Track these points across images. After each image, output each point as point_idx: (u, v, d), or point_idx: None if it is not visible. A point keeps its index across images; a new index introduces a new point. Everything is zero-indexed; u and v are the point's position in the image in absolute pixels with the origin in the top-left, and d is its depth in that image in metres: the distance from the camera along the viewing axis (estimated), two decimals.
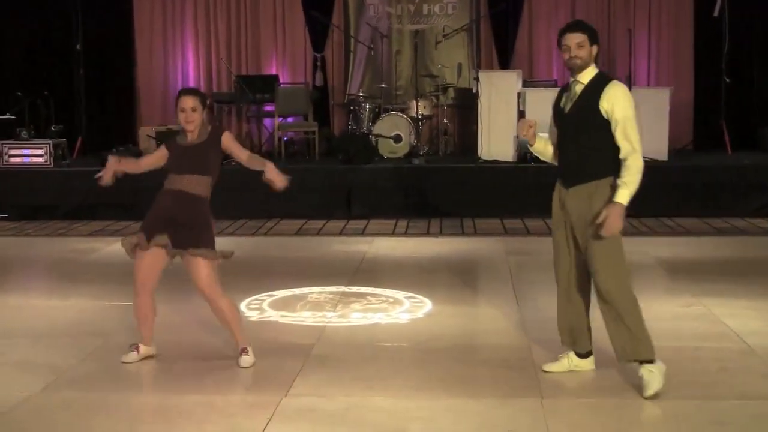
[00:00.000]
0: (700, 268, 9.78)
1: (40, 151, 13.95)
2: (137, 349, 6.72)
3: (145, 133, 15.04)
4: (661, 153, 13.87)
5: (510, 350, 6.83)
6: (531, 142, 6.56)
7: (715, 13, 15.14)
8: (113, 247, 11.28)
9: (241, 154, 6.68)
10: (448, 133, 15.94)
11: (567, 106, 6.26)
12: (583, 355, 6.42)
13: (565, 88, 6.35)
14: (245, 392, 6.09)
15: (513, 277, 9.33)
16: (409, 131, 14.61)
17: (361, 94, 16.08)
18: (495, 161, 13.67)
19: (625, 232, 6.07)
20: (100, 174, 6.76)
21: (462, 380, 6.31)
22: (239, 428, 5.48)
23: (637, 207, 13.19)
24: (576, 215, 6.17)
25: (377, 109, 15.27)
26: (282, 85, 16.07)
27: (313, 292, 8.84)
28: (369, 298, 8.59)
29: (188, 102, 6.56)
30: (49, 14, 16.57)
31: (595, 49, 6.13)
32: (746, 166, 13.46)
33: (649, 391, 5.88)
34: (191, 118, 6.53)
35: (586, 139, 6.12)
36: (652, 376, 5.93)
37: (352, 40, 17.02)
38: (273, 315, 8.01)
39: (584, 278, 6.27)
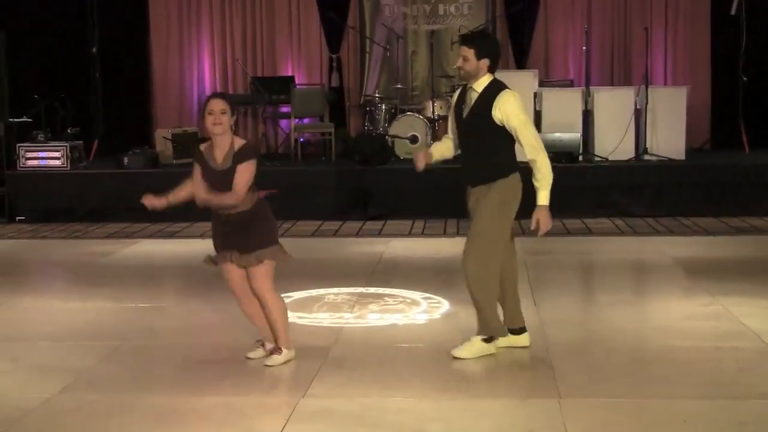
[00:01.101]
0: (718, 268, 9.74)
1: (56, 154, 13.97)
2: (263, 345, 6.82)
3: (161, 135, 15.05)
4: (679, 152, 13.83)
5: (527, 350, 6.81)
6: (429, 161, 6.97)
7: (732, 12, 15.06)
8: (130, 249, 11.31)
9: (235, 182, 6.45)
10: None
11: (464, 112, 6.67)
12: (517, 331, 6.85)
13: (463, 91, 6.77)
14: (263, 394, 6.08)
15: (530, 277, 9.31)
16: (425, 132, 14.59)
17: (377, 95, 16.05)
18: None
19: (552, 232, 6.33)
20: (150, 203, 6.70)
21: (480, 380, 6.30)
22: (257, 430, 5.47)
23: (654, 207, 13.30)
24: (473, 207, 6.69)
25: (393, 110, 15.25)
26: (298, 87, 16.08)
27: (330, 293, 8.83)
28: (386, 299, 8.59)
29: (217, 104, 6.49)
30: (65, 17, 16.61)
31: (485, 62, 6.57)
32: (764, 165, 13.39)
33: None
34: (220, 120, 6.44)
35: (482, 144, 6.58)
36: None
37: (368, 41, 17.02)
38: (290, 316, 7.96)
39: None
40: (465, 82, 6.68)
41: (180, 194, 6.65)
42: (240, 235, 6.50)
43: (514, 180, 6.65)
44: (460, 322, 7.66)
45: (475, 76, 6.57)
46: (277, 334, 6.68)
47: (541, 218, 6.63)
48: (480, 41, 6.65)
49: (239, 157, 6.45)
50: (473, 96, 6.60)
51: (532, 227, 6.63)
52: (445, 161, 7.23)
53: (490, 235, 6.57)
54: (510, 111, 6.48)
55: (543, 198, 6.61)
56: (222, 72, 17.35)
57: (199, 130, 14.95)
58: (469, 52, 6.57)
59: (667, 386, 6.09)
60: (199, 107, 17.21)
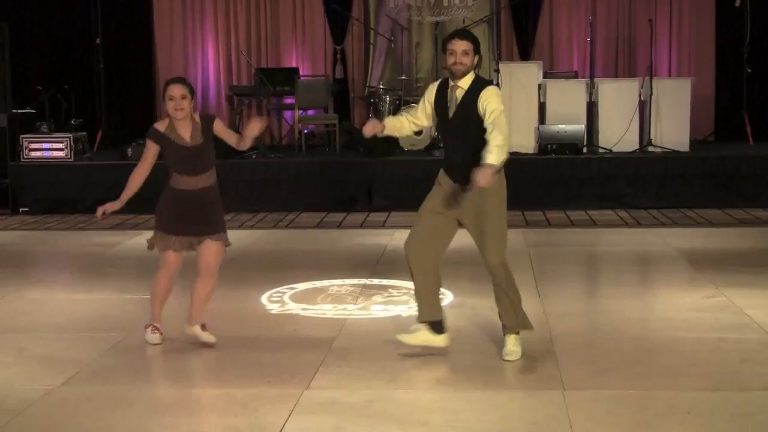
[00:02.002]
0: (722, 259, 9.73)
1: (60, 145, 13.97)
2: (156, 329, 6.92)
3: None
4: (683, 144, 13.83)
5: (532, 342, 6.79)
6: (379, 132, 6.97)
7: (737, 3, 15.06)
8: (134, 241, 11.31)
9: (231, 139, 6.77)
10: None
11: (450, 110, 6.53)
12: (436, 325, 6.68)
13: (442, 88, 6.61)
14: (266, 385, 6.08)
15: (534, 269, 9.31)
16: None
17: (381, 86, 16.04)
18: (516, 153, 13.60)
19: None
20: (101, 214, 6.99)
21: (484, 372, 6.29)
22: (261, 421, 5.47)
23: (658, 198, 13.30)
24: (469, 207, 6.45)
25: (398, 102, 15.23)
26: (302, 78, 16.06)
27: (334, 284, 8.83)
28: (390, 290, 8.59)
29: (177, 90, 6.62)
30: (69, 8, 16.60)
31: (476, 58, 6.50)
32: None
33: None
34: (181, 106, 6.60)
35: (473, 142, 6.38)
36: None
37: (372, 33, 17.01)
38: (294, 308, 8.00)
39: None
40: (454, 79, 6.47)
41: (132, 188, 6.98)
42: (202, 218, 6.68)
43: (502, 174, 6.49)
44: (464, 314, 7.66)
45: (469, 71, 6.48)
46: (199, 313, 6.86)
47: (483, 177, 6.11)
48: (475, 38, 6.57)
49: (208, 125, 6.68)
50: (459, 94, 6.47)
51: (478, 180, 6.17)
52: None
53: (503, 229, 6.50)
54: (490, 100, 6.37)
55: (489, 158, 6.16)
56: (226, 63, 17.35)
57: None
58: (470, 47, 6.44)
59: (671, 378, 6.09)
60: (203, 98, 17.24)
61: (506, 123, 6.37)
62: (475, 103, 6.38)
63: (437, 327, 6.62)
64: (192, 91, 6.72)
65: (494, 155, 6.16)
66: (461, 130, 6.48)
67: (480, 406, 5.65)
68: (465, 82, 6.47)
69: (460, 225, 6.58)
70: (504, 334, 6.60)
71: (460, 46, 6.43)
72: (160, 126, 6.77)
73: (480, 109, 6.35)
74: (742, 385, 5.95)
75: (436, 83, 6.70)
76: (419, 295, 6.62)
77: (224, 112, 17.29)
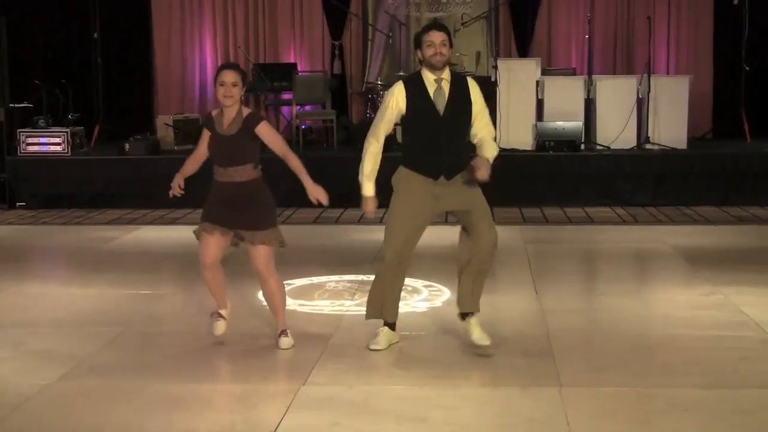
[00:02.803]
0: (719, 257, 9.74)
1: (57, 140, 13.96)
2: (219, 316, 6.82)
3: (163, 121, 15.04)
4: (680, 141, 13.84)
5: (529, 339, 6.81)
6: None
7: (735, 1, 15.06)
8: (131, 236, 11.31)
9: (276, 147, 6.70)
10: None
11: (438, 104, 6.45)
12: (393, 326, 6.79)
13: (415, 85, 6.50)
14: (264, 381, 6.08)
15: (532, 267, 9.31)
16: None
17: (379, 82, 16.03)
18: (513, 150, 13.61)
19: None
20: (172, 192, 6.78)
21: (481, 369, 6.29)
22: (258, 417, 5.47)
23: (655, 196, 13.31)
24: (455, 197, 6.50)
25: None
26: (300, 74, 16.06)
27: (331, 280, 8.84)
28: None
29: (229, 76, 6.52)
30: (67, 3, 16.58)
31: (450, 50, 6.50)
32: (766, 155, 13.39)
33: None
34: (230, 93, 6.50)
35: (463, 133, 6.48)
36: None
37: (371, 28, 17.01)
38: (291, 304, 7.98)
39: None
40: (434, 71, 6.43)
41: (184, 169, 6.77)
42: (244, 211, 6.57)
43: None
44: None
45: (448, 62, 6.48)
46: (279, 316, 6.77)
47: (485, 167, 6.34)
48: (448, 29, 6.57)
49: (250, 122, 6.57)
50: (446, 86, 6.44)
51: (477, 175, 6.32)
52: None
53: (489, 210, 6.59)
54: (479, 94, 6.52)
55: (493, 153, 6.47)
56: (224, 58, 17.32)
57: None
58: (447, 39, 6.43)
59: (668, 375, 6.10)
60: (200, 94, 17.23)
61: None
62: (466, 95, 6.43)
63: (393, 325, 6.78)
64: (245, 80, 6.64)
65: (493, 148, 6.40)
66: (455, 123, 6.45)
67: (477, 403, 5.66)
68: (447, 74, 6.47)
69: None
70: (467, 319, 6.62)
71: (438, 37, 6.40)
72: (213, 111, 6.74)
73: (473, 102, 6.43)
74: (740, 383, 5.96)
75: (399, 85, 6.55)
76: (391, 298, 6.73)
77: None
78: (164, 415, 5.53)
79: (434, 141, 6.49)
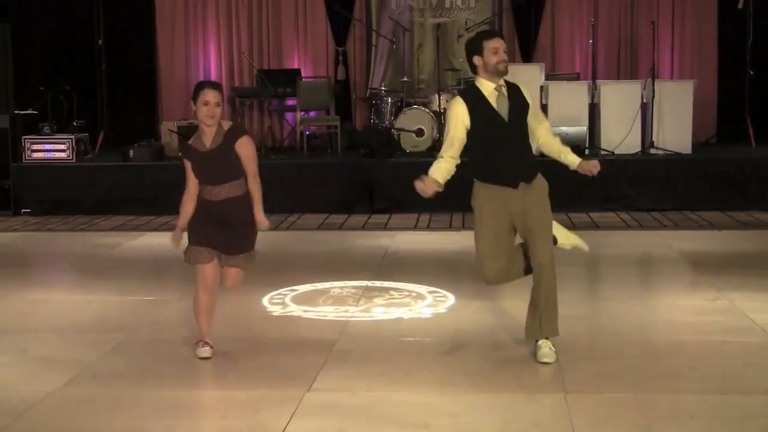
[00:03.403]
0: (724, 262, 9.72)
1: (62, 146, 13.97)
2: (207, 344, 6.73)
3: (167, 127, 15.05)
4: (685, 146, 13.82)
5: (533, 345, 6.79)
6: (440, 189, 6.71)
7: (740, 5, 15.05)
8: (135, 242, 11.31)
9: (249, 165, 6.57)
10: None
11: (502, 112, 6.39)
12: None
13: (474, 96, 6.46)
14: (268, 387, 6.07)
15: None
16: (431, 125, 14.56)
17: (383, 88, 16.04)
18: None
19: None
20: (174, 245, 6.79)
21: (486, 375, 6.28)
22: (263, 423, 5.46)
23: (660, 200, 13.28)
24: (527, 205, 6.41)
25: (399, 103, 15.22)
26: (304, 79, 16.06)
27: (336, 286, 8.82)
28: (392, 292, 8.57)
29: (212, 96, 6.44)
30: (71, 9, 16.61)
31: None
32: None
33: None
34: (214, 113, 6.44)
35: (525, 137, 6.46)
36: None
37: (374, 34, 17.00)
38: (295, 310, 7.99)
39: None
40: (496, 79, 6.40)
41: (186, 213, 6.66)
42: (231, 235, 6.53)
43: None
44: (467, 316, 7.65)
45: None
46: (208, 328, 6.71)
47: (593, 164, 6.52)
48: None
49: (232, 135, 6.50)
50: (505, 92, 6.40)
51: (593, 170, 6.50)
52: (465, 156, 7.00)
53: (551, 232, 6.54)
54: (530, 94, 6.54)
55: (576, 156, 6.58)
56: (228, 64, 17.34)
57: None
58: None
59: (673, 381, 6.09)
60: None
61: None
62: (523, 97, 6.43)
63: None
64: (222, 98, 6.57)
65: (565, 147, 6.54)
66: (520, 127, 6.42)
67: (481, 409, 5.64)
68: (502, 80, 6.45)
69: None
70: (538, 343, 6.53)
71: (502, 44, 6.38)
72: (190, 140, 6.65)
73: (530, 104, 6.45)
74: (745, 389, 5.94)
75: (458, 100, 6.47)
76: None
77: (226, 113, 17.26)
78: (168, 421, 5.52)
79: (506, 149, 6.41)
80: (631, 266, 10.06)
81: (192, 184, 6.60)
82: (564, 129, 13.58)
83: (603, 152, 13.76)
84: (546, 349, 6.44)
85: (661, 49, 15.94)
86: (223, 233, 6.52)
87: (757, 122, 14.99)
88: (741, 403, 5.68)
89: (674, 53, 16.45)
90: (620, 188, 13.16)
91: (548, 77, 14.74)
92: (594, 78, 14.47)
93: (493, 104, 6.38)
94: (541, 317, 6.44)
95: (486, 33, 6.59)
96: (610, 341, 7.01)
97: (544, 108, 13.95)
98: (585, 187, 13.06)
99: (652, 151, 13.77)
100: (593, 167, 6.44)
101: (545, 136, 6.52)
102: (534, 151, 6.57)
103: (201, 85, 6.57)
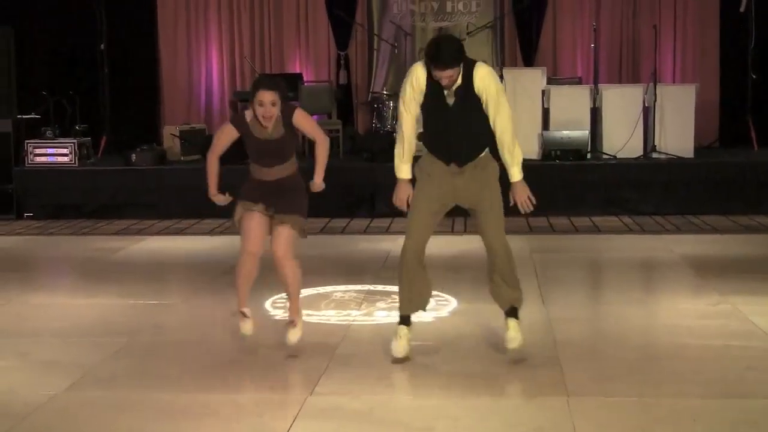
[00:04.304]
0: (726, 266, 9.72)
1: (65, 150, 13.98)
2: (244, 315, 6.81)
3: (169, 131, 15.05)
4: (687, 150, 13.81)
5: (536, 348, 6.79)
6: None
7: (742, 9, 15.06)
8: (138, 246, 11.32)
9: (316, 136, 6.80)
10: None
11: (449, 98, 6.40)
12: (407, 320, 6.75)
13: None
14: (270, 391, 6.08)
15: (538, 275, 9.29)
16: None
17: (384, 92, 16.04)
18: None
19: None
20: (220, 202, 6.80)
21: (488, 379, 6.28)
22: (265, 427, 5.47)
23: (662, 204, 13.28)
24: (468, 189, 6.56)
25: None
26: (306, 84, 16.07)
27: (338, 290, 8.83)
28: (394, 296, 8.51)
29: (268, 96, 6.49)
30: (74, 14, 16.61)
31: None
32: None
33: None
34: (270, 113, 6.50)
35: (476, 124, 6.44)
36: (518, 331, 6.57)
37: (376, 38, 17.01)
38: None
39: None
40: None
41: (212, 174, 6.75)
42: (280, 197, 6.65)
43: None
44: (468, 320, 7.65)
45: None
46: (293, 304, 6.80)
47: (525, 193, 6.58)
48: (461, 55, 6.32)
49: (287, 117, 6.59)
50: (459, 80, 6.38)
51: (516, 204, 6.57)
52: None
53: (502, 209, 6.63)
54: (491, 81, 6.39)
55: (519, 173, 6.57)
56: (230, 68, 17.35)
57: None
58: (455, 73, 6.27)
59: (676, 385, 6.08)
60: (207, 104, 17.26)
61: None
62: (472, 86, 6.35)
63: (408, 320, 6.73)
64: (284, 96, 6.59)
65: (518, 169, 6.56)
66: (462, 111, 6.42)
67: (483, 413, 5.64)
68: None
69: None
70: (507, 319, 6.66)
71: (450, 72, 6.27)
72: (248, 115, 6.64)
73: (479, 92, 6.36)
74: (747, 393, 5.94)
75: (421, 66, 6.41)
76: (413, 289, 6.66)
77: (228, 117, 17.27)
78: (170, 425, 5.53)
79: (445, 126, 6.47)
80: (633, 270, 10.05)
81: (220, 147, 6.70)
82: (566, 133, 13.60)
83: (605, 156, 13.76)
84: (512, 331, 6.56)
85: (663, 52, 15.95)
86: (274, 195, 6.63)
87: (759, 126, 14.99)
88: (743, 407, 5.68)
89: (676, 57, 16.45)
90: (622, 192, 13.16)
91: (550, 81, 14.73)
92: (596, 82, 14.47)
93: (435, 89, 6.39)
94: (502, 290, 6.63)
95: (429, 55, 6.30)
96: (612, 345, 7.00)
97: (546, 112, 13.96)
98: (587, 190, 13.10)
99: (654, 155, 13.77)
100: (518, 200, 6.54)
101: (498, 133, 6.45)
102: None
103: (257, 85, 6.59)
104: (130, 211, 13.44)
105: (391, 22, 16.83)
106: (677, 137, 13.83)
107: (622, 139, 13.73)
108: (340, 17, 16.64)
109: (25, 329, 7.70)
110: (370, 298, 8.50)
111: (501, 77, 14.06)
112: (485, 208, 6.56)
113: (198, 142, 14.72)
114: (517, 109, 13.38)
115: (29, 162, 13.95)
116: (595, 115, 14.11)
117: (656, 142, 13.81)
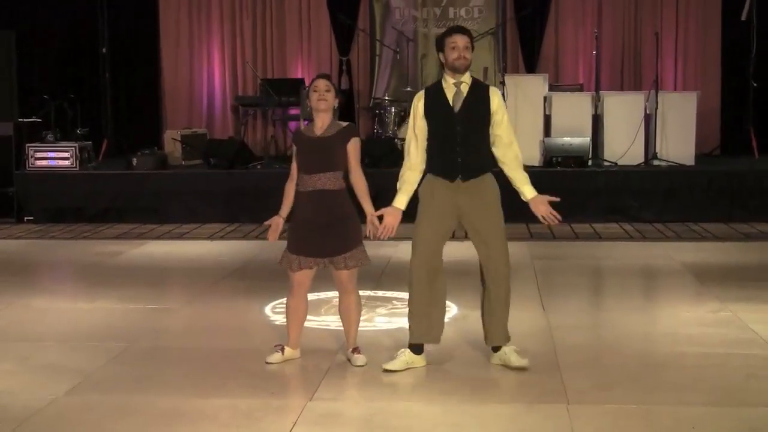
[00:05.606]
0: (727, 274, 9.71)
1: (65, 154, 13.98)
2: (282, 349, 6.75)
3: (171, 136, 15.07)
4: (688, 157, 13.82)
5: (536, 355, 6.78)
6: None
7: (743, 17, 15.06)
8: (138, 251, 11.31)
9: (352, 164, 6.70)
10: None
11: (456, 105, 6.46)
12: (420, 348, 6.65)
13: (434, 90, 6.56)
14: (270, 396, 6.07)
15: (539, 282, 9.29)
16: None
17: (386, 97, 16.03)
18: None
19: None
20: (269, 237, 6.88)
21: (488, 385, 6.28)
22: None
23: (663, 212, 13.26)
24: (472, 209, 6.56)
25: (403, 113, 15.20)
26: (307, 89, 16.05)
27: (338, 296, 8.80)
28: (394, 302, 8.57)
29: (321, 84, 6.61)
30: (75, 17, 16.64)
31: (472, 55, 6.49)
32: None
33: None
34: (324, 97, 6.57)
35: (480, 137, 6.50)
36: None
37: (378, 44, 17.02)
38: None
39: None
40: (455, 74, 6.45)
41: (288, 200, 6.78)
42: (332, 238, 6.59)
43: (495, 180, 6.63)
44: (469, 326, 7.64)
45: (469, 68, 6.49)
46: (351, 333, 6.77)
47: (546, 206, 6.62)
48: (471, 34, 6.58)
49: (347, 132, 6.63)
50: (464, 89, 6.45)
51: (546, 221, 6.60)
52: None
53: (505, 234, 6.60)
54: (500, 104, 6.50)
55: (532, 189, 6.68)
56: (232, 73, 17.37)
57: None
58: (470, 43, 6.46)
59: (676, 392, 6.08)
60: (208, 108, 17.28)
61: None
62: (486, 102, 6.42)
63: (420, 348, 6.64)
64: (337, 91, 6.70)
65: (530, 187, 6.68)
66: (469, 122, 6.43)
67: (484, 419, 5.64)
68: (467, 78, 6.49)
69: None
70: (499, 351, 6.61)
71: (462, 40, 6.44)
72: (302, 127, 6.83)
73: (493, 111, 6.43)
74: (748, 401, 5.93)
75: (420, 94, 6.60)
76: (419, 315, 6.62)
77: (229, 122, 17.31)
78: (170, 430, 5.52)
79: (449, 140, 6.47)
80: (633, 277, 10.04)
81: (296, 171, 6.72)
82: (567, 140, 13.60)
83: (606, 163, 13.76)
84: (516, 354, 6.53)
85: (664, 60, 15.97)
86: (323, 236, 6.59)
87: (760, 134, 14.98)
88: (744, 415, 5.67)
89: (678, 64, 16.47)
90: (623, 199, 13.15)
91: (552, 88, 14.74)
92: (597, 89, 14.49)
93: (448, 98, 6.47)
94: (500, 323, 6.56)
95: (449, 29, 6.61)
96: (613, 352, 7.00)
97: (548, 119, 13.97)
98: (588, 197, 13.09)
99: (656, 162, 13.78)
100: (546, 214, 6.58)
101: (505, 155, 6.57)
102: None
103: (313, 79, 6.74)
104: (130, 215, 13.43)
105: (394, 28, 16.85)
106: (678, 145, 13.84)
107: (623, 146, 13.73)
108: (343, 22, 16.64)
109: (24, 333, 7.70)
110: (371, 303, 8.49)
111: (503, 83, 14.11)
112: (490, 232, 6.56)
113: (199, 146, 14.72)
114: (518, 116, 13.46)
115: (30, 165, 13.95)
116: (597, 122, 14.12)
117: (657, 150, 13.82)
